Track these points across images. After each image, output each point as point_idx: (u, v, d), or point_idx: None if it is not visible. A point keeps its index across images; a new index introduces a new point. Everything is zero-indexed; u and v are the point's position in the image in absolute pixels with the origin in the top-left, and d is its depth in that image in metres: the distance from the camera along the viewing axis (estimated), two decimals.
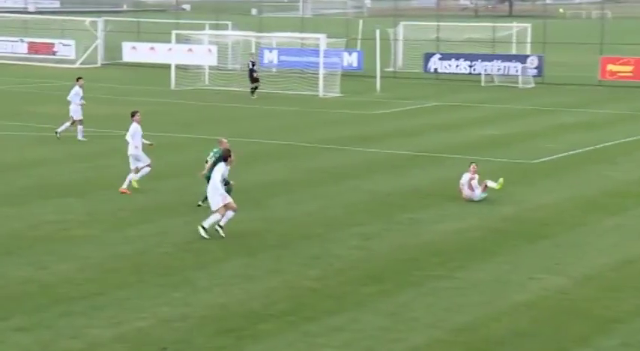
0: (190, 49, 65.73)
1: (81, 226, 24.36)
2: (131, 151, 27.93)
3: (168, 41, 62.32)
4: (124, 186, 27.67)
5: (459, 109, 47.87)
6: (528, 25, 67.60)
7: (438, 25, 69.03)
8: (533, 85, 58.79)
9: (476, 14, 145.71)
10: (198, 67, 61.11)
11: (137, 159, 27.99)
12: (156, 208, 26.34)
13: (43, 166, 32.72)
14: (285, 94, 53.59)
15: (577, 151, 35.67)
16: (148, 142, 28.56)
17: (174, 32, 61.37)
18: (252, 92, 52.92)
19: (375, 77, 56.52)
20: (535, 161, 33.44)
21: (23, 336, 16.34)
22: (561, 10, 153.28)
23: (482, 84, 59.51)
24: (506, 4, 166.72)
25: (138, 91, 56.42)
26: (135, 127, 27.92)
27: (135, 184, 27.82)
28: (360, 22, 73.88)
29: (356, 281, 19.60)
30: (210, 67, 61.50)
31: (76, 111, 37.56)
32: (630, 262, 21.04)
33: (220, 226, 22.65)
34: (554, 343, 16.16)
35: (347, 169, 31.99)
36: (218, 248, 22.20)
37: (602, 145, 36.96)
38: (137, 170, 27.94)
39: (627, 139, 38.31)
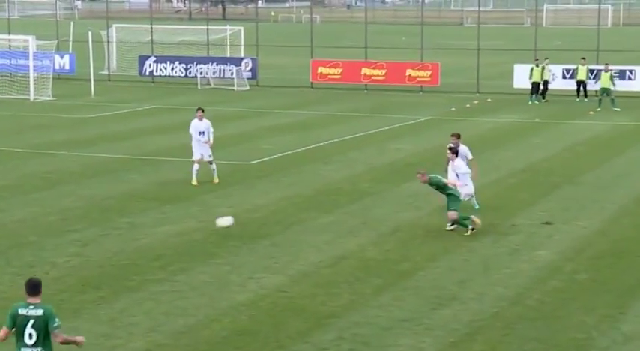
0: None
1: None
2: None
3: None
4: None
5: (176, 112, 47.87)
6: (241, 28, 68.61)
7: (151, 28, 68.68)
8: (248, 87, 59.70)
9: (190, 17, 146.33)
10: None
11: None
12: None
13: None
14: None
15: (292, 151, 36.57)
16: None
17: None
18: None
19: (89, 80, 55.53)
20: (252, 162, 33.99)
21: None
22: (273, 14, 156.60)
23: (199, 87, 59.82)
24: (220, 7, 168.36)
25: None
26: None
27: None
28: (71, 23, 72.24)
29: (73, 289, 19.25)
30: None
31: None
32: (344, 257, 21.84)
33: None
34: (274, 340, 16.54)
35: (61, 175, 31.28)
36: None
37: (316, 145, 38.09)
38: None
39: (339, 139, 39.67)
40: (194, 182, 29.35)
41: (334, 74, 59.71)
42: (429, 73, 57.61)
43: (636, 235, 23.88)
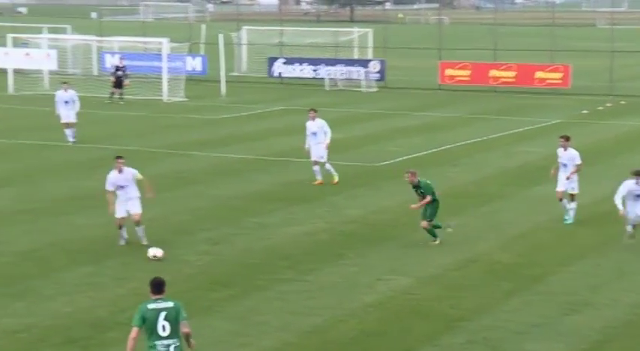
0: (28, 54, 64.11)
1: None
2: None
3: (4, 45, 60.64)
4: None
5: (304, 113, 48.16)
6: (370, 30, 68.65)
7: (281, 30, 69.33)
8: (375, 89, 59.73)
9: (318, 19, 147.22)
10: (37, 71, 59.63)
11: None
12: None
13: None
14: (129, 99, 52.85)
15: (419, 153, 36.41)
16: None
17: (10, 36, 59.75)
18: (111, 97, 52.16)
19: (219, 81, 56.38)
20: (379, 164, 33.97)
21: None
22: (400, 16, 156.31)
23: (327, 88, 60.12)
24: (348, 9, 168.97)
25: None
26: None
27: None
28: (203, 26, 73.54)
29: (205, 287, 19.54)
30: (50, 72, 60.07)
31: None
32: (472, 261, 21.63)
33: None
34: (402, 343, 16.48)
35: (192, 174, 31.82)
36: (63, 256, 21.77)
37: (443, 148, 37.84)
38: None
39: (467, 141, 39.32)
40: (317, 181, 29.50)
41: (462, 76, 59.23)
42: (560, 75, 56.64)
43: None
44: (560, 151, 25.02)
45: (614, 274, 20.53)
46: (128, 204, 22.09)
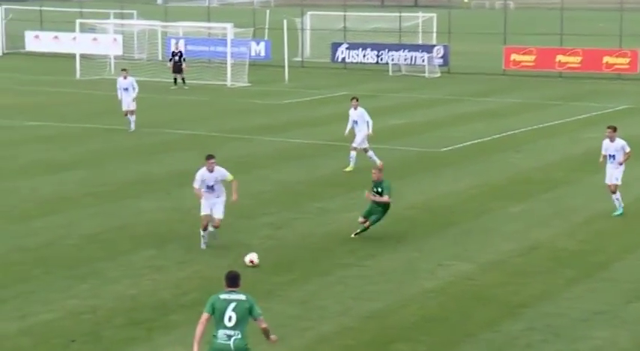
0: (95, 39, 64.88)
1: None
2: None
3: (73, 30, 61.35)
4: None
5: (367, 99, 48.05)
6: (434, 15, 68.24)
7: (344, 15, 69.18)
8: (439, 74, 59.39)
9: (382, 4, 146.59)
10: (104, 56, 60.27)
11: None
12: (61, 200, 26.01)
13: None
14: (193, 84, 53.18)
15: (482, 139, 36.17)
16: None
17: (78, 21, 60.41)
18: (176, 82, 52.49)
19: (283, 67, 56.45)
20: (442, 150, 33.81)
21: None
22: (465, 0, 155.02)
23: (390, 73, 59.91)
24: None
25: (42, 81, 55.41)
26: None
27: None
28: (267, 11, 73.68)
29: (266, 270, 19.62)
30: (116, 57, 60.69)
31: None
32: (535, 248, 21.45)
33: None
34: (463, 328, 16.41)
35: (255, 159, 31.96)
36: (127, 239, 22.02)
37: (506, 134, 37.52)
38: None
39: (531, 128, 38.96)
40: (348, 168, 29.58)
41: (527, 61, 58.67)
42: (628, 60, 55.87)
43: None
44: (607, 142, 24.34)
45: None
46: (214, 206, 21.13)
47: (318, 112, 43.65)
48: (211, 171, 21.03)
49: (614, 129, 24.38)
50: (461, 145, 34.91)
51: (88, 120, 40.06)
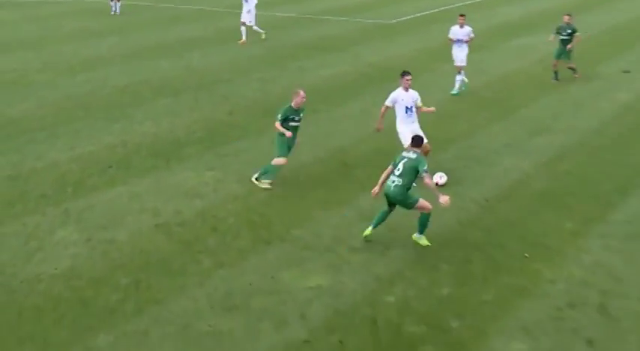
0: None
1: (38, 72, 23.59)
2: None
3: None
4: None
5: None
6: None
7: None
8: None
9: None
10: None
11: None
12: (97, 59, 25.62)
13: (2, 26, 31.28)
14: None
15: (424, 13, 35.57)
16: None
17: None
18: None
19: None
20: (392, 21, 33.27)
21: None
22: None
23: None
24: None
25: None
26: None
27: None
28: None
29: (257, 115, 19.55)
30: None
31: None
32: (462, 96, 21.35)
33: None
34: None
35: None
36: (149, 90, 21.80)
37: (443, 8, 36.88)
38: None
39: (462, 4, 38.24)
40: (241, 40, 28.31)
41: None
42: None
43: None
44: (456, 28, 21.45)
45: (571, 106, 20.29)
46: (413, 128, 15.02)
47: None
48: (406, 90, 15.22)
49: (463, 16, 21.69)
50: (408, 17, 34.36)
51: None
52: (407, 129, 14.92)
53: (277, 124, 14.56)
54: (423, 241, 12.33)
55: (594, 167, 15.90)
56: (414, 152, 12.24)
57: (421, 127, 15.13)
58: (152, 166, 15.81)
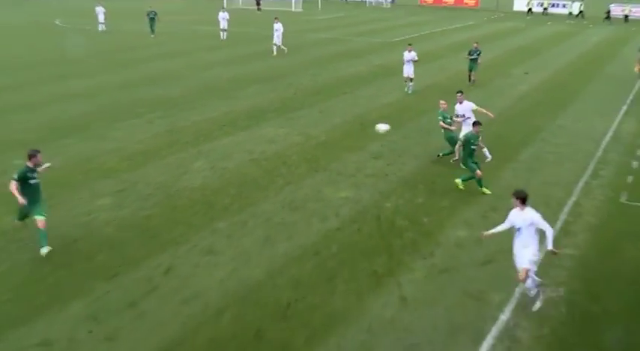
0: None
1: (185, 69, 22.72)
2: None
3: None
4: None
5: (352, 17, 44.82)
6: None
7: None
8: (390, 5, 54.95)
9: None
10: None
11: None
12: (216, 63, 24.56)
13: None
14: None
15: (413, 35, 33.76)
16: None
17: None
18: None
19: None
20: (393, 40, 31.78)
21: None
22: None
23: (367, 5, 55.16)
24: None
25: None
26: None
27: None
28: None
29: (310, 95, 18.66)
30: None
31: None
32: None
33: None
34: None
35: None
36: (245, 81, 20.83)
37: (424, 33, 35.05)
38: None
39: (430, 31, 36.29)
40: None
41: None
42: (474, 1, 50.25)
43: None
44: (406, 53, 17.98)
45: (495, 93, 19.08)
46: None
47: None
48: (460, 103, 11.81)
49: (411, 44, 18.28)
50: (401, 38, 33.08)
51: None
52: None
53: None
54: (460, 185, 11.03)
55: (508, 129, 15.30)
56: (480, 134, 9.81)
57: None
58: (248, 125, 15.50)
